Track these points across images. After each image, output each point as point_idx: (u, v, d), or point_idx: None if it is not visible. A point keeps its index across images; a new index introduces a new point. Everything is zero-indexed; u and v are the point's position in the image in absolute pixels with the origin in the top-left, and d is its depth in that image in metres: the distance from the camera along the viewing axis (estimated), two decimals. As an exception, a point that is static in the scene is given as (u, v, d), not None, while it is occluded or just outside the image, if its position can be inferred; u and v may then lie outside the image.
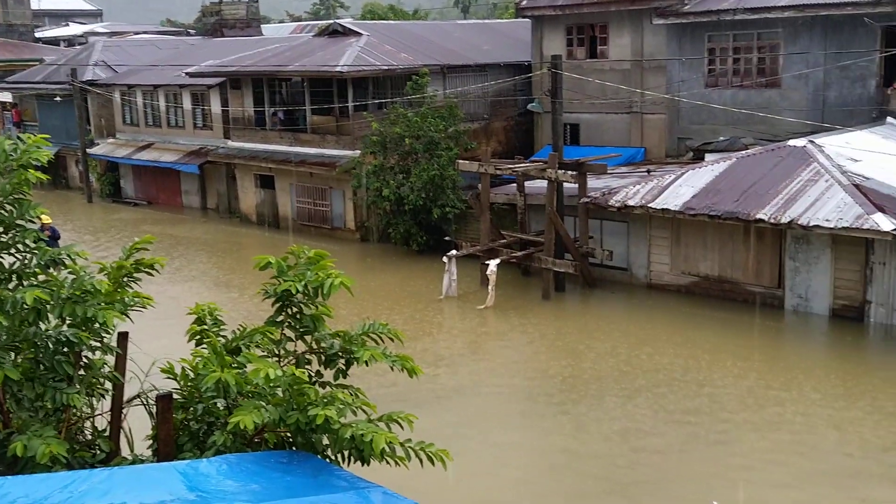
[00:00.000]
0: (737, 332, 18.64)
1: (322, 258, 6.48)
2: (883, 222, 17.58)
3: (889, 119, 23.17)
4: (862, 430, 13.90)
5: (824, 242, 19.15)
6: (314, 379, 6.49)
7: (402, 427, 6.08)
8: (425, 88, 27.16)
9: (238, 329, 6.58)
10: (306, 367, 6.54)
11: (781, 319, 19.51)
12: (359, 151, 27.67)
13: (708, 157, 24.40)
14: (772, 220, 19.06)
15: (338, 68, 28.11)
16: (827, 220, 18.28)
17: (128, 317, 6.33)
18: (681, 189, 21.23)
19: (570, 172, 21.59)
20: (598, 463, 13.25)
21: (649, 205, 21.19)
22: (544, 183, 22.21)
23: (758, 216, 19.28)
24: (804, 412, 14.75)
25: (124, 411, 6.63)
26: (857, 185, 19.03)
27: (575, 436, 14.22)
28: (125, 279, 6.55)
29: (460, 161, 24.51)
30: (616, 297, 21.82)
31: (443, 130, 26.26)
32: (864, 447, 13.32)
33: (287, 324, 6.58)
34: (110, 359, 6.47)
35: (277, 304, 6.54)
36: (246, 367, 6.13)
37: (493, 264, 21.38)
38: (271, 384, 5.79)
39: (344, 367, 6.59)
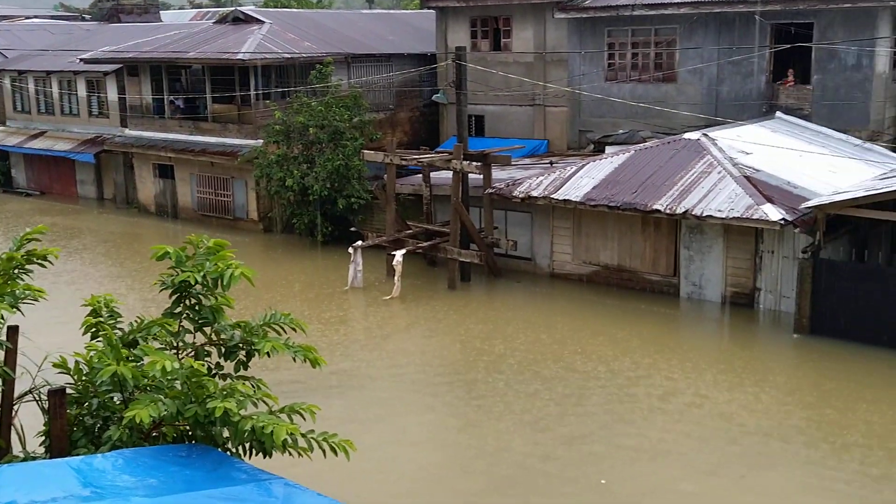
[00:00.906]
0: (634, 320, 19.18)
1: (222, 248, 6.39)
2: (771, 212, 18.35)
3: (778, 113, 24.17)
4: (750, 413, 14.49)
5: (717, 232, 19.88)
6: (214, 371, 6.40)
7: (304, 418, 6.06)
8: (329, 77, 26.94)
9: (135, 321, 6.44)
10: (206, 359, 6.44)
11: (677, 307, 20.17)
12: (261, 141, 27.27)
13: (608, 149, 25.00)
14: (667, 211, 19.67)
15: (239, 56, 27.63)
16: (719, 211, 18.97)
17: (18, 310, 6.12)
18: (582, 181, 21.69)
19: (474, 163, 21.78)
20: (501, 451, 13.45)
21: (552, 196, 21.57)
22: (450, 174, 22.36)
23: (654, 207, 19.86)
24: (696, 395, 15.29)
25: (15, 408, 6.40)
26: (747, 177, 19.79)
27: (480, 424, 14.40)
28: (15, 271, 6.32)
29: (366, 151, 24.43)
30: (520, 287, 22.16)
31: (348, 120, 26.13)
32: (748, 429, 13.90)
33: (185, 315, 6.46)
34: (0, 354, 6.24)
35: (175, 296, 6.42)
36: (143, 360, 6.00)
37: (398, 255, 21.43)
38: (169, 377, 5.69)
39: (245, 359, 6.52)
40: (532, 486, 12.20)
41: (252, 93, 28.61)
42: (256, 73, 28.47)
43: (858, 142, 22.76)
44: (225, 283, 6.19)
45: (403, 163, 23.63)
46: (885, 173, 19.69)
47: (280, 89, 28.88)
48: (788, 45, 23.58)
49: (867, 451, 13.02)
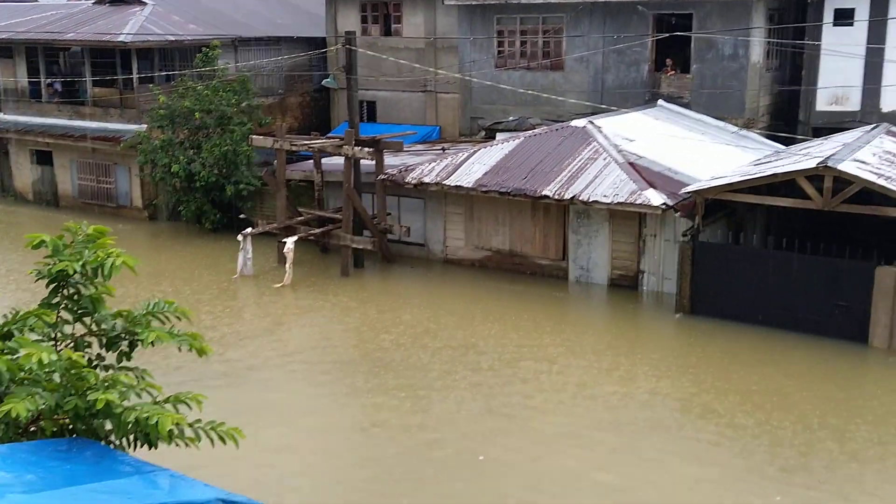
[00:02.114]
0: (526, 303, 19.55)
1: (102, 236, 6.20)
2: (654, 197, 18.98)
3: (660, 101, 24.98)
4: (631, 389, 15.01)
5: (603, 217, 20.43)
6: (95, 362, 6.22)
7: (190, 408, 5.97)
8: (216, 61, 26.31)
9: (9, 313, 6.18)
10: (86, 350, 6.25)
11: (566, 290, 20.67)
12: (145, 126, 26.45)
13: (498, 136, 25.34)
14: (556, 197, 20.10)
15: (121, 38, 26.71)
16: (605, 196, 19.50)
17: None
18: (473, 167, 21.92)
19: (366, 149, 21.71)
20: (391, 436, 13.53)
21: (444, 182, 21.73)
22: (342, 159, 22.22)
23: (544, 193, 20.26)
24: (581, 373, 15.72)
25: None
26: (631, 164, 20.41)
27: (372, 411, 14.43)
28: None
29: (254, 136, 24.01)
30: (414, 273, 22.27)
31: (235, 105, 25.61)
32: (629, 404, 14.40)
33: (64, 306, 6.25)
34: None
35: (53, 286, 6.20)
36: (19, 352, 5.78)
37: (290, 242, 21.19)
38: (46, 369, 5.49)
39: (127, 350, 6.36)
40: (418, 471, 12.32)
41: (135, 76, 27.68)
42: (139, 55, 27.57)
43: (735, 129, 23.77)
44: (105, 273, 6.01)
45: (293, 148, 23.34)
46: (759, 159, 20.62)
47: (164, 73, 28.05)
48: (667, 35, 24.37)
49: (740, 419, 13.67)
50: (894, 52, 22.72)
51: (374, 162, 22.28)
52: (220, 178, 24.73)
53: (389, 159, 23.39)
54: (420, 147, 26.75)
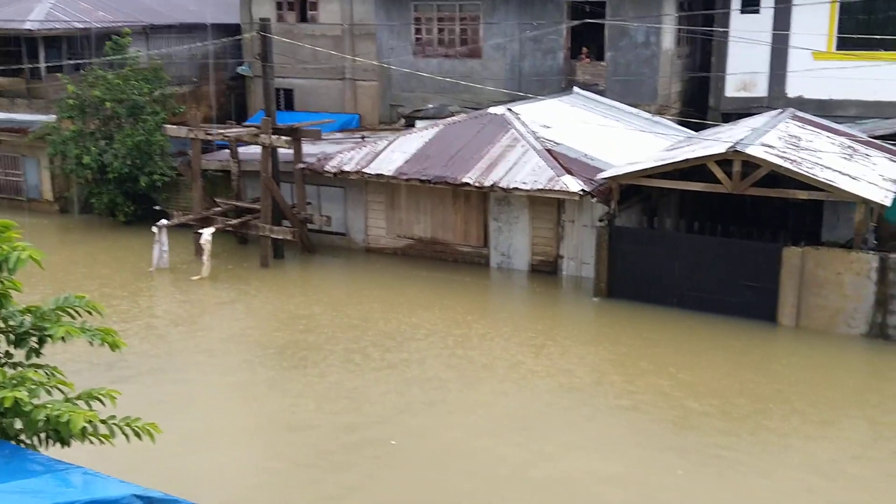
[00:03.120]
0: (448, 290, 19.66)
1: (7, 229, 6.03)
2: (571, 183, 19.27)
3: (575, 89, 25.35)
4: (549, 371, 15.27)
5: (523, 203, 20.67)
6: (2, 360, 6.06)
7: (104, 404, 5.87)
8: (127, 49, 25.63)
9: None
10: (-7, 348, 6.09)
11: (488, 276, 20.85)
12: (54, 116, 25.61)
13: (418, 123, 25.34)
14: (476, 184, 20.24)
15: (27, 25, 25.80)
16: (524, 183, 19.72)
17: None
18: (393, 155, 21.89)
19: (284, 138, 21.47)
20: (310, 426, 13.49)
21: (364, 170, 21.65)
22: (259, 149, 21.93)
23: (464, 180, 20.38)
24: (501, 357, 15.91)
25: None
26: (549, 150, 20.67)
27: (293, 402, 14.34)
28: None
29: (168, 126, 23.49)
30: (335, 262, 22.15)
31: (148, 94, 25.00)
32: (548, 386, 14.66)
33: (-32, 303, 6.06)
34: None
35: (-45, 283, 6.00)
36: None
37: (206, 233, 20.84)
38: (-50, 369, 5.34)
39: (37, 346, 6.21)
40: (335, 459, 12.32)
41: (42, 65, 26.77)
42: (46, 43, 26.66)
43: (648, 115, 24.29)
44: (11, 267, 5.85)
45: (209, 138, 22.94)
46: (671, 145, 21.12)
47: (74, 61, 27.18)
48: (579, 22, 24.73)
49: (656, 397, 14.05)
50: (798, 38, 23.49)
51: (292, 151, 22.05)
52: (133, 170, 24.14)
53: (308, 148, 23.18)
54: (339, 135, 26.58)
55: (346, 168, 21.85)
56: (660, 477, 11.81)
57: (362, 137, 25.34)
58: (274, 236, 21.66)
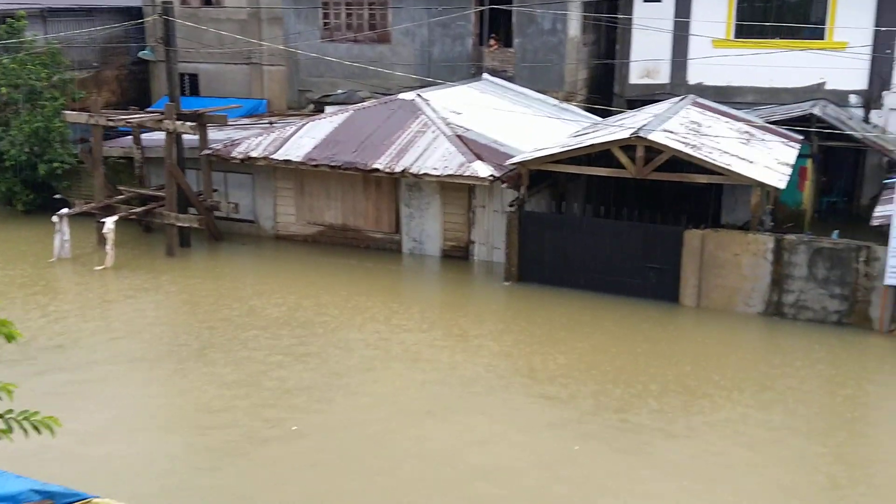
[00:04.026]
0: (360, 277, 19.64)
1: None
2: (481, 169, 19.45)
3: (484, 75, 25.54)
4: (461, 355, 15.45)
5: (434, 189, 20.76)
6: None
7: (-1, 398, 5.68)
8: (22, 33, 24.63)
9: None
10: None
11: (400, 262, 20.90)
12: (-55, 102, 24.47)
13: (327, 109, 25.15)
14: (387, 170, 20.23)
15: (-89, 5, 24.50)
16: (434, 169, 19.81)
17: None
18: (302, 140, 21.69)
19: (188, 124, 21.03)
20: (220, 415, 13.33)
21: (272, 156, 21.39)
22: (163, 135, 21.42)
23: (374, 166, 20.34)
24: (414, 342, 16.01)
25: None
26: (459, 136, 20.80)
27: (199, 392, 14.14)
28: None
29: (67, 112, 22.70)
30: (245, 250, 21.85)
31: (46, 79, 24.11)
32: (459, 370, 14.84)
33: None
34: None
35: None
36: None
37: (109, 222, 20.28)
38: None
39: (-75, 341, 5.95)
40: (241, 449, 12.23)
41: (-71, 47, 25.48)
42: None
43: (556, 102, 24.65)
44: None
45: (110, 124, 22.26)
46: (578, 131, 21.51)
47: (-37, 44, 25.98)
48: (486, 8, 24.88)
49: (566, 378, 14.36)
50: (699, 26, 24.17)
51: (197, 137, 21.61)
52: (31, 157, 23.28)
53: (214, 134, 22.77)
54: (246, 121, 26.18)
55: (254, 154, 21.55)
56: (568, 456, 12.09)
57: (270, 123, 25.01)
58: (180, 224, 21.23)
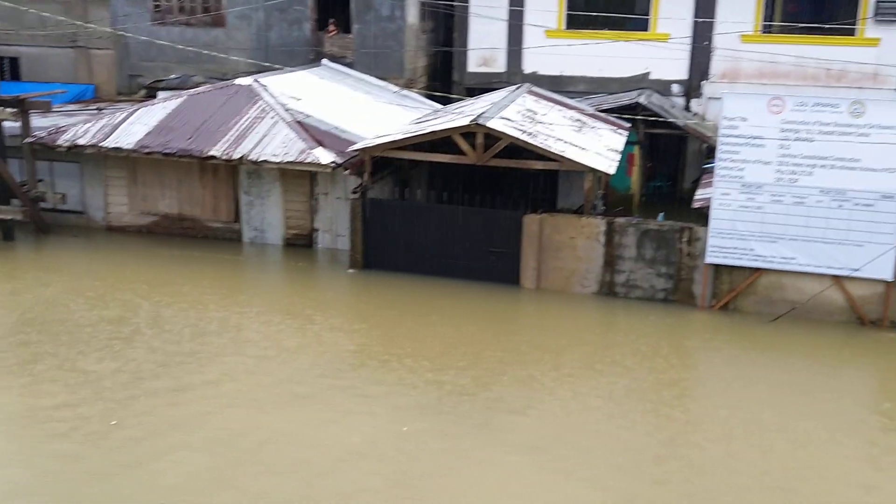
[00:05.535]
0: (198, 268, 19.11)
1: None
2: (323, 156, 19.33)
3: (324, 61, 25.34)
4: (304, 344, 15.38)
5: (274, 177, 20.45)
6: None
7: None
8: None
9: None
10: None
11: (241, 252, 20.48)
12: None
13: (160, 94, 24.24)
14: (224, 157, 19.75)
15: None
16: (274, 156, 19.51)
17: None
18: (133, 127, 20.84)
19: (9, 110, 19.83)
20: (55, 415, 12.73)
21: (101, 144, 20.46)
22: (-21, 122, 20.06)
23: (210, 153, 19.81)
24: (256, 333, 15.79)
25: None
26: (299, 122, 20.57)
27: (19, 395, 13.41)
28: None
29: None
30: (73, 243, 20.79)
31: None
32: (299, 360, 14.79)
33: None
34: None
35: None
36: None
37: (-79, 216, 18.83)
38: None
39: None
40: (61, 449, 11.77)
41: None
42: None
43: (396, 89, 24.78)
44: None
45: (-81, 110, 20.62)
46: (419, 118, 21.72)
47: None
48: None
49: (410, 362, 14.57)
50: (533, 15, 24.88)
51: (19, 124, 20.36)
52: None
53: (38, 121, 21.50)
54: (73, 107, 24.88)
55: (81, 141, 20.53)
56: (399, 437, 12.29)
57: (99, 109, 23.86)
58: (2, 216, 19.98)
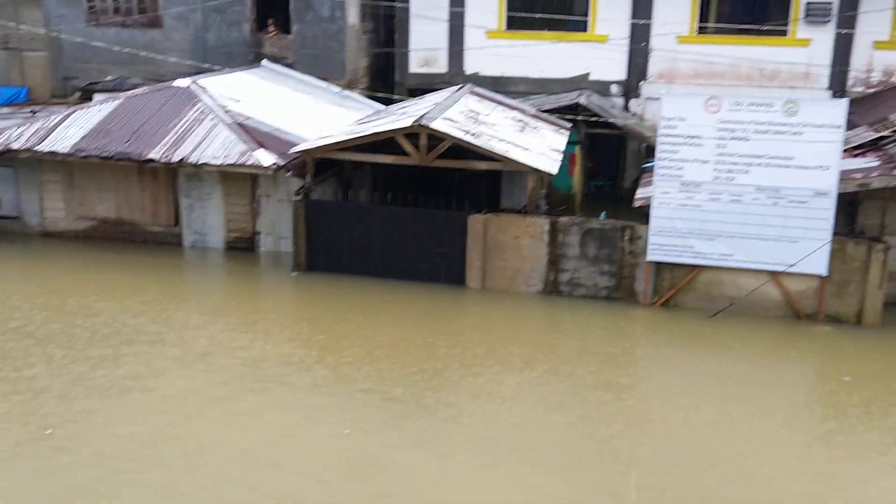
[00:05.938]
0: (138, 273, 18.76)
1: None
2: (264, 158, 19.13)
3: (264, 62, 25.10)
4: (242, 349, 15.22)
5: (215, 179, 20.18)
6: None
7: None
8: None
9: None
10: None
11: (182, 256, 20.17)
12: None
13: (96, 97, 23.76)
14: (163, 160, 19.43)
15: None
16: (215, 158, 19.26)
17: None
18: (69, 130, 20.39)
19: (-64, 114, 19.19)
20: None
21: (36, 147, 19.97)
22: None
23: (149, 156, 19.47)
24: (199, 338, 15.56)
25: None
26: (240, 124, 20.34)
27: (-31, 403, 13.05)
28: None
29: None
30: (8, 249, 20.24)
31: None
32: (243, 365, 14.64)
33: None
34: None
35: None
36: None
37: None
38: None
39: None
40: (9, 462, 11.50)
41: None
42: None
43: (338, 90, 24.66)
44: None
45: None
46: (362, 119, 21.65)
47: None
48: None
49: (357, 365, 14.51)
50: (473, 16, 24.98)
51: (-52, 128, 19.78)
52: None
53: (-33, 124, 20.91)
54: (6, 110, 24.24)
55: (15, 145, 20.01)
56: (339, 438, 12.25)
57: (32, 112, 23.31)
58: (-69, 224, 19.36)
